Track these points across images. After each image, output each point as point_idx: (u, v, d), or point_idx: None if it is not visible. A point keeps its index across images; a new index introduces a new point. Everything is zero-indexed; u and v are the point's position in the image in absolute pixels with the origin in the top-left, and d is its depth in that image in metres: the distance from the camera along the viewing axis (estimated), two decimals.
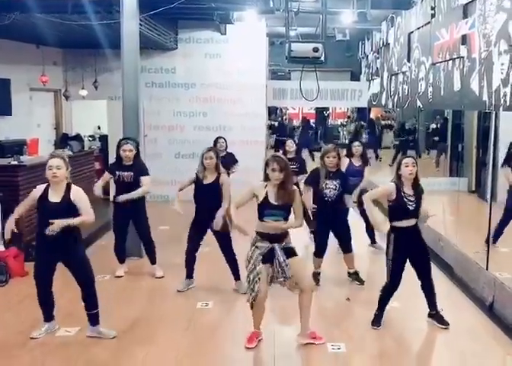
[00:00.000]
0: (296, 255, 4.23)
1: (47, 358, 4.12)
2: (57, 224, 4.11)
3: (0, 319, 4.82)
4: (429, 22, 7.70)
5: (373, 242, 7.00)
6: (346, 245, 5.69)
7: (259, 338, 4.31)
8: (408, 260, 4.58)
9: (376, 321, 4.62)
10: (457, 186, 8.26)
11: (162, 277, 5.89)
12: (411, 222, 4.46)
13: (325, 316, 4.83)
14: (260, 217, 4.18)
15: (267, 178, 4.18)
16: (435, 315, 4.64)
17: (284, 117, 19.27)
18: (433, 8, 7.56)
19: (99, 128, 10.74)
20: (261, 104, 10.43)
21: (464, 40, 6.30)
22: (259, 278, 4.07)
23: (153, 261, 6.01)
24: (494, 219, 6.00)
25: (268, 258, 4.11)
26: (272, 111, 18.06)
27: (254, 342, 4.25)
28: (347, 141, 17.17)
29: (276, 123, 17.18)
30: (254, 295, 4.11)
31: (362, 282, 5.70)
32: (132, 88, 6.63)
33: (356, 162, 6.74)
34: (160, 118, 10.15)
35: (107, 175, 6.01)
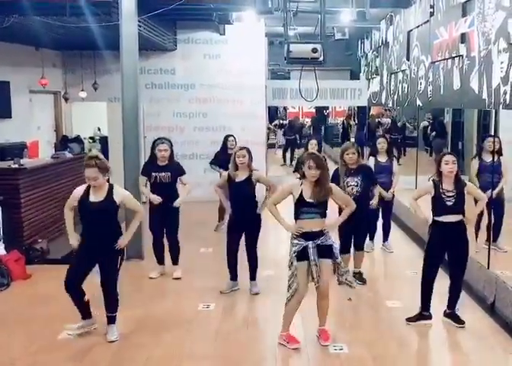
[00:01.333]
0: (331, 255, 4.21)
1: (49, 359, 4.12)
2: (122, 243, 4.29)
3: (2, 323, 4.81)
4: (428, 20, 7.70)
5: (385, 239, 6.97)
6: (360, 243, 5.71)
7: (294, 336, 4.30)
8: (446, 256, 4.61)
9: (412, 318, 4.62)
10: None
11: (180, 278, 5.88)
12: (451, 218, 4.46)
13: (328, 316, 4.80)
14: (296, 215, 4.22)
15: (303, 176, 4.21)
16: (451, 314, 4.65)
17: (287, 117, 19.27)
18: (432, 7, 7.56)
19: (99, 130, 10.75)
20: (261, 104, 10.43)
21: (463, 38, 6.30)
22: (295, 275, 4.13)
23: (175, 262, 6.01)
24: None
25: (302, 255, 4.15)
26: (274, 111, 18.05)
27: (296, 341, 4.24)
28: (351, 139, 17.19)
29: (285, 122, 17.16)
30: (292, 292, 4.16)
31: (364, 282, 5.70)
32: (132, 90, 6.63)
33: (382, 159, 6.69)
34: (160, 119, 10.15)
35: (143, 179, 5.94)
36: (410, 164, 9.68)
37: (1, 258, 5.81)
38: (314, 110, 19.17)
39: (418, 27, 8.35)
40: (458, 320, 4.61)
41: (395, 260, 6.51)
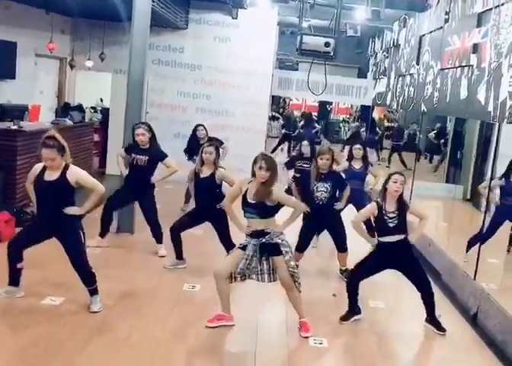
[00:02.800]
0: (278, 252, 4.21)
1: (31, 321, 4.14)
2: (74, 210, 4.25)
3: None
4: (441, 27, 7.68)
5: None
6: (341, 245, 5.73)
7: (222, 319, 4.36)
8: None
9: (345, 316, 4.68)
10: (453, 193, 8.31)
11: (164, 256, 5.90)
12: (394, 238, 4.48)
13: (310, 311, 4.84)
14: (243, 213, 4.27)
15: (253, 175, 4.21)
16: (432, 320, 4.69)
17: (285, 109, 19.21)
18: (447, 13, 7.54)
19: (101, 100, 10.69)
20: (266, 92, 10.39)
21: (475, 48, 6.30)
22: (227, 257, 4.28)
23: (159, 241, 6.03)
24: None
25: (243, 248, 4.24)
26: (277, 100, 17.97)
27: (214, 322, 4.33)
28: (346, 137, 17.19)
29: (278, 115, 17.11)
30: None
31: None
32: (139, 64, 6.59)
33: (357, 165, 6.70)
34: (163, 97, 10.11)
35: (122, 152, 6.02)
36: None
37: None
38: (317, 105, 19.14)
39: (431, 32, 8.34)
40: (439, 327, 4.65)
41: None
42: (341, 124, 18.15)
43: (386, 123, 14.28)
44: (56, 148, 4.14)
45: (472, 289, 5.13)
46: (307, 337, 4.30)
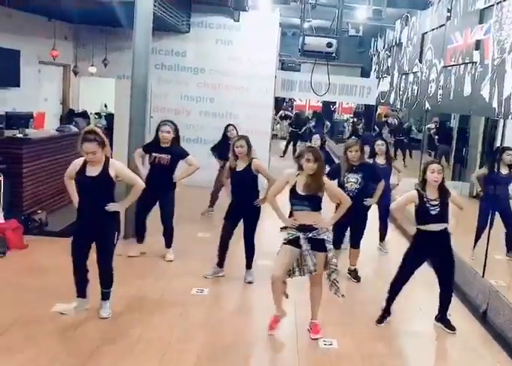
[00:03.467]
0: (323, 249, 4.23)
1: (41, 330, 4.15)
2: (115, 206, 4.27)
3: None
4: (444, 24, 7.67)
5: (382, 239, 6.99)
6: (356, 241, 5.73)
7: (278, 324, 4.35)
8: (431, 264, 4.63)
9: (380, 319, 4.67)
10: (459, 190, 8.27)
11: (172, 261, 5.89)
12: (435, 227, 4.46)
13: (320, 311, 4.84)
14: (291, 206, 4.26)
15: (300, 168, 4.24)
16: (443, 319, 4.68)
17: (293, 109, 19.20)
18: (449, 11, 7.52)
19: (105, 106, 10.73)
20: (269, 94, 10.40)
21: (478, 45, 6.28)
22: (277, 257, 4.19)
23: (168, 245, 6.01)
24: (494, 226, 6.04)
25: (292, 242, 4.20)
26: (281, 101, 17.96)
27: (274, 329, 4.32)
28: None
29: (289, 114, 17.09)
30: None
31: (358, 280, 5.74)
32: (142, 69, 6.61)
33: (381, 161, 6.67)
34: (167, 101, 10.13)
35: (141, 151, 5.94)
36: (415, 166, 9.69)
37: None
38: (321, 105, 19.13)
39: (433, 30, 8.32)
40: (449, 326, 4.64)
41: (390, 260, 6.54)
42: (345, 124, 18.11)
43: (385, 119, 14.24)
44: (97, 141, 4.16)
45: (481, 286, 5.11)
46: (316, 339, 4.29)
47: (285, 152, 15.28)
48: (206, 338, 4.25)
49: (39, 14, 8.87)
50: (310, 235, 4.20)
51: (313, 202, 4.22)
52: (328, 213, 4.53)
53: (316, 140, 7.36)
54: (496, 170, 6.31)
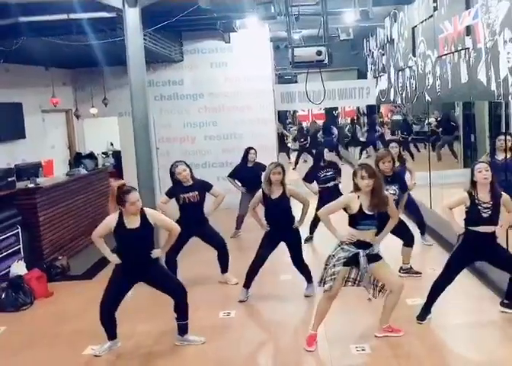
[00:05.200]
0: (379, 258, 4.25)
1: None
2: (158, 253, 4.35)
3: (26, 341, 4.86)
4: (432, 15, 7.67)
5: (423, 233, 6.95)
6: (407, 238, 5.70)
7: (316, 340, 4.32)
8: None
9: (421, 315, 4.62)
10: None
11: (237, 283, 5.83)
12: (486, 228, 4.40)
13: (348, 317, 4.80)
14: (354, 225, 4.20)
15: (357, 189, 4.18)
16: (509, 304, 4.65)
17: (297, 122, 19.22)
18: (435, 1, 7.54)
19: (111, 144, 10.86)
20: (270, 109, 10.46)
21: (468, 30, 6.27)
22: (334, 278, 4.15)
23: (224, 270, 6.01)
24: None
25: (350, 262, 4.18)
26: (284, 115, 18.02)
27: (314, 345, 4.28)
28: (362, 139, 17.07)
29: (293, 128, 17.13)
30: (328, 287, 4.17)
31: (419, 273, 5.73)
32: (141, 103, 6.68)
33: (396, 164, 6.61)
34: (171, 130, 10.23)
35: (165, 198, 5.93)
36: (422, 160, 9.62)
37: (23, 277, 5.89)
38: (323, 112, 19.13)
39: (423, 22, 8.32)
40: None
41: (414, 257, 6.46)
42: (349, 126, 18.06)
43: (386, 119, 14.19)
44: (137, 190, 4.28)
45: None
46: (401, 335, 4.30)
47: (296, 163, 15.31)
48: (239, 361, 4.21)
49: (35, 65, 9.06)
50: (367, 251, 4.18)
51: (379, 219, 4.21)
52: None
53: (327, 154, 7.35)
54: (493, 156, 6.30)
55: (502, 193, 4.48)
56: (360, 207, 4.13)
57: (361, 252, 4.15)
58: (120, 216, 4.28)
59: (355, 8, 8.85)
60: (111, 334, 4.45)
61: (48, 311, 5.56)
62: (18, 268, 6.05)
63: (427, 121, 11.23)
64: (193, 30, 9.85)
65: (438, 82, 7.59)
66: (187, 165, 5.90)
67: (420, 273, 5.76)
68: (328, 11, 7.48)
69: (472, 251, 4.50)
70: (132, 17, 6.51)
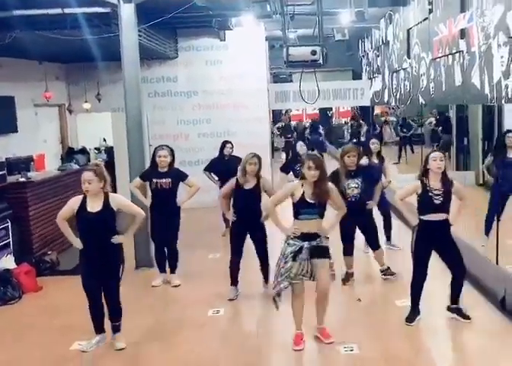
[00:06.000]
0: (325, 255, 4.25)
1: None
2: (120, 239, 4.32)
3: (15, 335, 4.85)
4: (427, 18, 7.69)
5: (388, 239, 6.95)
6: (375, 242, 5.73)
7: (303, 339, 4.33)
8: (437, 255, 4.61)
9: (409, 318, 4.63)
10: (464, 180, 8.22)
11: (179, 285, 5.90)
12: (438, 216, 4.46)
13: (337, 317, 4.81)
14: (296, 215, 4.25)
15: (302, 177, 4.25)
16: (456, 309, 4.64)
17: (287, 119, 19.23)
18: (430, 3, 7.55)
19: (104, 140, 10.81)
20: (264, 108, 10.45)
21: (463, 34, 6.29)
22: (288, 275, 4.17)
23: (173, 270, 6.03)
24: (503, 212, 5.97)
25: (298, 255, 4.19)
26: (277, 114, 18.04)
27: (301, 344, 4.28)
28: (354, 140, 17.16)
29: (281, 125, 17.11)
30: (279, 289, 4.22)
31: (394, 274, 5.71)
32: (135, 99, 6.67)
33: (375, 160, 6.64)
34: (164, 127, 10.19)
35: (138, 181, 6.00)
36: (417, 161, 9.66)
37: (11, 271, 5.86)
38: (317, 112, 19.18)
39: (418, 24, 8.34)
40: (463, 315, 4.60)
41: (402, 259, 6.49)
42: (344, 128, 18.13)
43: (382, 118, 14.27)
44: (94, 171, 4.23)
45: (496, 273, 5.05)
46: (332, 342, 4.26)
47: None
48: (227, 359, 4.22)
49: (28, 59, 9.00)
50: (314, 243, 4.20)
51: (322, 209, 4.25)
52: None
53: (301, 146, 7.40)
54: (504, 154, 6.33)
55: (453, 181, 4.53)
56: (303, 194, 4.20)
57: (305, 244, 4.18)
58: (84, 198, 4.30)
59: (350, 9, 8.86)
60: (98, 326, 4.44)
61: (36, 305, 5.54)
62: (7, 262, 6.04)
63: (427, 121, 11.28)
64: (188, 27, 9.82)
65: (432, 85, 7.62)
66: (172, 152, 5.88)
67: (394, 273, 5.73)
68: (324, 11, 7.48)
69: (427, 239, 4.52)
70: (127, 12, 6.51)
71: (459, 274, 4.60)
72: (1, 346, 4.63)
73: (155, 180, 5.83)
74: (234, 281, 5.47)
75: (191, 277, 6.01)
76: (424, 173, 4.51)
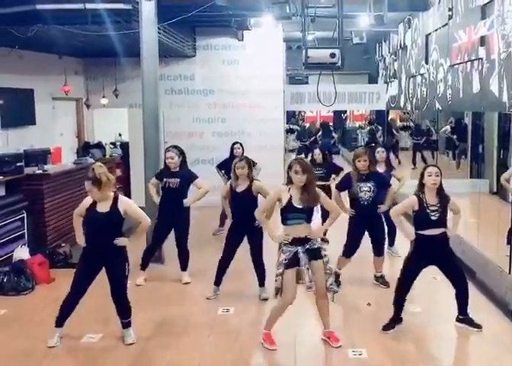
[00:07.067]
0: (319, 256, 4.24)
1: (73, 361, 4.23)
2: (124, 242, 4.35)
3: (25, 326, 4.91)
4: (446, 23, 7.68)
5: (391, 244, 6.92)
6: (380, 248, 5.72)
7: (273, 338, 4.36)
8: (438, 269, 4.61)
9: (388, 325, 4.60)
10: (478, 188, 8.18)
11: (189, 283, 5.93)
12: (435, 231, 4.44)
13: (347, 321, 4.83)
14: (284, 221, 4.25)
15: (290, 181, 4.24)
16: (466, 319, 4.62)
17: (301, 121, 19.21)
18: (450, 9, 7.54)
19: (120, 135, 10.88)
20: (279, 109, 10.48)
21: (482, 41, 6.28)
22: (284, 282, 4.16)
23: (184, 268, 6.06)
24: None
25: (293, 261, 4.18)
26: (290, 115, 18.02)
27: (272, 343, 4.32)
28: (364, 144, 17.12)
29: (296, 127, 17.09)
30: (276, 291, 4.24)
31: (387, 285, 5.67)
32: (152, 96, 6.73)
33: (381, 169, 6.53)
34: (180, 125, 10.25)
35: (154, 180, 6.10)
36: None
37: (25, 262, 5.94)
38: (332, 115, 19.16)
39: (437, 30, 8.33)
40: (473, 324, 4.58)
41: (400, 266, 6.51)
42: (358, 131, 18.09)
43: (399, 123, 14.21)
44: (91, 180, 4.27)
45: (509, 284, 5.02)
46: (340, 346, 4.27)
47: None
48: (236, 358, 4.24)
49: (49, 53, 9.10)
50: (307, 246, 4.20)
51: (309, 214, 4.23)
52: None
53: (317, 154, 7.49)
54: None
55: (449, 196, 4.50)
56: (290, 199, 4.18)
57: (299, 249, 4.17)
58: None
59: (370, 13, 8.87)
60: (62, 320, 4.49)
61: (49, 297, 5.59)
62: (21, 252, 6.11)
63: (442, 129, 11.19)
64: (206, 26, 9.87)
65: (449, 91, 7.60)
66: (181, 153, 5.94)
67: (387, 283, 5.66)
68: (343, 15, 7.49)
69: (424, 255, 4.49)
70: (148, 9, 6.57)
71: (461, 287, 4.58)
72: (11, 337, 4.68)
73: (165, 179, 5.92)
74: (217, 281, 5.50)
75: (201, 275, 6.04)
76: (420, 187, 4.47)
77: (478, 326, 4.56)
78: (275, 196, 4.33)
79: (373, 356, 4.19)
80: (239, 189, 5.38)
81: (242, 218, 5.34)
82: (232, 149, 7.95)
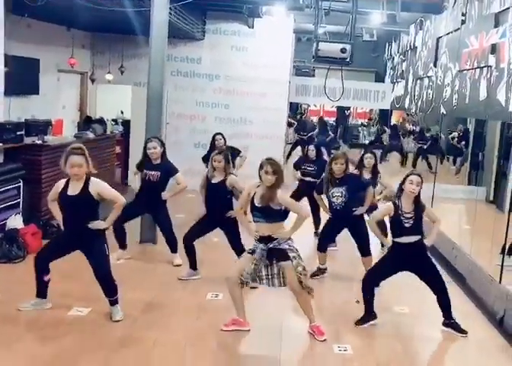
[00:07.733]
0: (286, 258, 4.24)
1: (58, 334, 4.23)
2: (100, 224, 4.35)
3: (14, 294, 4.92)
4: (459, 28, 7.65)
5: (383, 245, 6.94)
6: (364, 249, 5.75)
7: (236, 325, 4.45)
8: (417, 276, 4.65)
9: (361, 320, 4.65)
10: (475, 195, 8.21)
11: (180, 265, 5.95)
12: (410, 238, 4.48)
13: (334, 317, 4.86)
14: (252, 217, 4.34)
15: (261, 179, 4.27)
16: (451, 324, 4.65)
17: (304, 115, 19.17)
18: (463, 14, 7.51)
19: (122, 113, 10.84)
20: (283, 99, 10.47)
21: (493, 49, 6.26)
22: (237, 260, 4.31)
23: (174, 251, 6.09)
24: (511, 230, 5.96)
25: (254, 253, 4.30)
26: (294, 107, 17.98)
27: (230, 327, 4.42)
28: (366, 141, 17.12)
29: (293, 122, 17.02)
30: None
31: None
32: (158, 76, 6.70)
33: (367, 175, 6.45)
34: (183, 107, 10.24)
35: (135, 170, 6.15)
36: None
37: (18, 231, 5.94)
38: (335, 110, 19.13)
39: (448, 34, 8.30)
40: (459, 329, 4.62)
41: None
42: (360, 129, 18.09)
43: (408, 127, 14.20)
44: (84, 155, 4.27)
45: (498, 292, 5.07)
46: (324, 340, 4.31)
47: (288, 157, 15.20)
48: (223, 344, 4.27)
49: (57, 24, 9.02)
50: (271, 245, 4.23)
51: (267, 213, 4.22)
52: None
53: (311, 150, 7.49)
54: None
55: (424, 205, 4.55)
56: (253, 197, 4.25)
57: (260, 245, 4.25)
58: (67, 181, 4.36)
59: (383, 11, 8.85)
60: (40, 290, 4.55)
61: None
62: (15, 221, 6.12)
63: (450, 136, 11.18)
64: (218, 11, 9.82)
65: (455, 96, 7.59)
66: (162, 144, 5.95)
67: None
68: (357, 11, 7.47)
69: (399, 261, 4.55)
70: None
71: (441, 293, 4.62)
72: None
73: (145, 171, 5.90)
74: (191, 264, 5.59)
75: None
76: (399, 192, 4.50)
77: (464, 332, 4.60)
78: (247, 192, 4.38)
79: (358, 353, 4.23)
80: (214, 180, 5.45)
81: (214, 208, 5.45)
82: (213, 139, 7.84)
